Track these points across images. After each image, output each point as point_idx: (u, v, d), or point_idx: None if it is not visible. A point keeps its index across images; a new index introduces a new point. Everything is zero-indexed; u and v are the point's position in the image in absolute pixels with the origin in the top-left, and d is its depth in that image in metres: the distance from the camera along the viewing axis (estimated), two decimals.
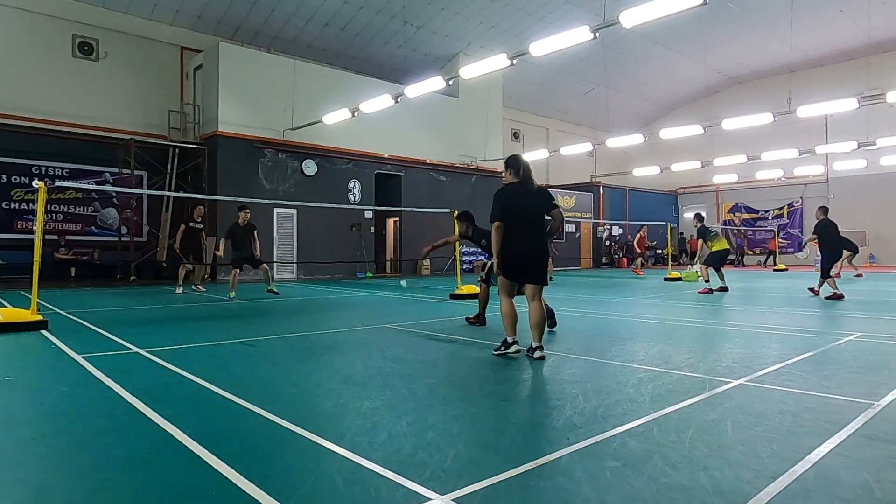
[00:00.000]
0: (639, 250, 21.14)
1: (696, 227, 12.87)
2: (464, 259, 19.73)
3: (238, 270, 10.82)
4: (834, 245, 10.74)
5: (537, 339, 4.89)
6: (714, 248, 12.35)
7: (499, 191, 5.07)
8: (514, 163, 5.11)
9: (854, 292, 11.68)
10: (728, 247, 12.95)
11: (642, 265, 21.38)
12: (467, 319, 7.17)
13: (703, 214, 13.67)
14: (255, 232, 10.81)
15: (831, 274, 10.46)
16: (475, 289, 10.96)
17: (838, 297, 10.01)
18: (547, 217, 5.07)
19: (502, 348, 4.98)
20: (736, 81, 28.03)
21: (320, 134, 17.48)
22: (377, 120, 17.74)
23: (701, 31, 21.55)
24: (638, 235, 21.26)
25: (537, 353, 4.84)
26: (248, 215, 10.75)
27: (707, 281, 12.29)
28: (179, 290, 11.86)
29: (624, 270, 23.69)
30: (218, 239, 12.10)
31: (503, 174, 5.22)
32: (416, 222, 19.67)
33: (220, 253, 11.00)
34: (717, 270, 12.41)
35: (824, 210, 11.13)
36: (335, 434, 2.92)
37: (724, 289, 11.94)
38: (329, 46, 19.64)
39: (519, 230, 4.90)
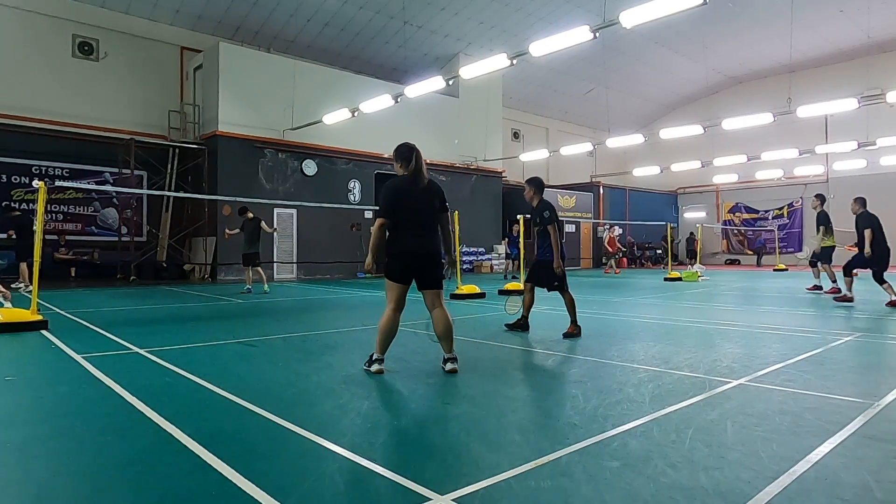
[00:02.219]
0: (610, 250, 21.14)
1: (857, 213, 10.01)
2: (463, 259, 19.73)
3: (247, 267, 12.11)
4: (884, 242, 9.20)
5: (448, 350, 4.41)
6: (828, 244, 10.99)
7: (387, 183, 4.48)
8: (405, 153, 4.46)
9: (854, 292, 11.67)
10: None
11: (617, 264, 21.48)
12: (507, 326, 6.65)
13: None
14: (262, 223, 11.98)
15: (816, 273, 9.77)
16: (475, 289, 10.99)
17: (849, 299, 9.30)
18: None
19: (366, 365, 4.43)
20: (736, 81, 28.02)
21: (320, 134, 17.48)
22: (377, 120, 17.73)
23: (701, 31, 21.55)
24: (607, 236, 21.27)
25: (448, 366, 4.33)
26: (249, 214, 12.08)
27: (834, 281, 10.90)
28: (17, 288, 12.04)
29: (624, 270, 23.69)
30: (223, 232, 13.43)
31: (395, 166, 4.56)
32: None
33: (227, 236, 12.50)
34: (828, 269, 11.10)
35: (863, 201, 9.62)
36: (335, 434, 2.92)
37: (838, 290, 10.64)
38: (329, 46, 19.64)
39: (407, 227, 4.33)
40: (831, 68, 24.96)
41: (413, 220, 4.36)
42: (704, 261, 26.22)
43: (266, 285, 12.15)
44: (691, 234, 29.28)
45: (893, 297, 8.92)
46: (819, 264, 11.47)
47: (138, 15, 16.67)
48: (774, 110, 15.93)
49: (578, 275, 20.08)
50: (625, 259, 27.16)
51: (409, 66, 20.79)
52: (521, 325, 6.60)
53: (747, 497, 2.16)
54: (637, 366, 4.56)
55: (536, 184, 6.38)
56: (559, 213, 6.46)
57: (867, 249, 9.16)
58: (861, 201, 9.79)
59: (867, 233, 9.25)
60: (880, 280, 9.16)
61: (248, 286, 12.13)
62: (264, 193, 16.46)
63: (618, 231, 27.89)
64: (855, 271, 9.47)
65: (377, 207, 4.59)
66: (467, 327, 6.88)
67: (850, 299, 9.34)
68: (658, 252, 27.26)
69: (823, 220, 10.99)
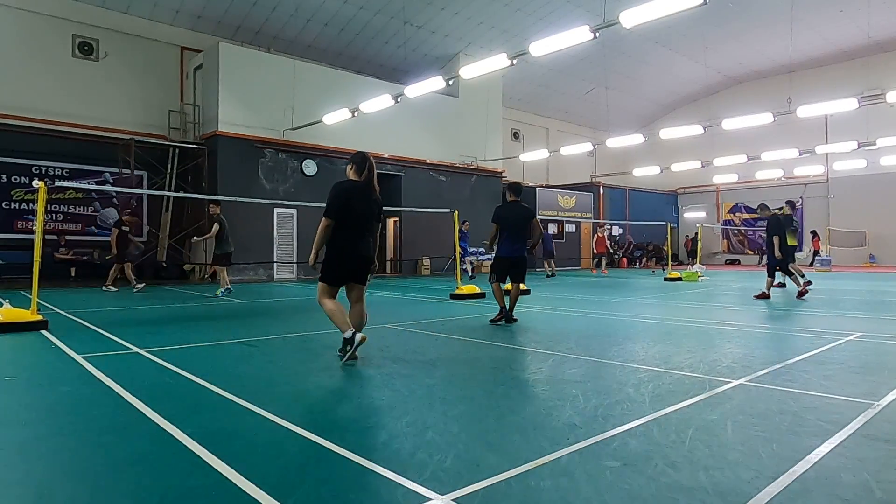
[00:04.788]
0: (598, 251, 21.27)
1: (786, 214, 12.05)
2: (464, 259, 19.72)
3: (217, 268, 11.86)
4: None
5: (360, 329, 4.83)
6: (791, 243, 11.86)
7: (337, 184, 4.78)
8: (360, 161, 4.84)
9: (854, 292, 11.69)
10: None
11: (606, 264, 21.79)
12: (491, 322, 7.10)
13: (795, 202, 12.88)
14: (215, 225, 11.29)
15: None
16: (475, 289, 10.99)
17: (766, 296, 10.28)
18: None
19: (339, 352, 4.79)
20: (736, 81, 28.03)
21: (320, 134, 17.48)
22: (377, 120, 17.73)
23: (701, 31, 21.55)
24: (596, 237, 21.39)
25: (360, 335, 4.65)
26: (214, 209, 11.48)
27: (803, 276, 11.80)
28: (114, 288, 12.13)
29: (624, 270, 23.71)
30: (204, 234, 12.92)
31: (347, 169, 4.94)
32: (416, 222, 19.69)
33: (198, 239, 12.15)
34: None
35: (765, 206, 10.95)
36: (335, 434, 2.92)
37: (781, 285, 12.03)
38: (329, 46, 19.64)
39: (351, 231, 4.70)
40: (831, 68, 24.97)
41: (357, 226, 4.75)
42: (704, 261, 26.23)
43: (221, 290, 11.32)
44: (686, 235, 29.32)
45: (765, 291, 10.38)
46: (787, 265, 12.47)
47: (138, 15, 16.67)
48: (774, 110, 15.93)
49: (578, 275, 20.09)
50: (625, 259, 27.17)
51: (409, 66, 20.79)
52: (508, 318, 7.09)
53: (747, 497, 2.16)
54: (637, 366, 4.56)
55: (507, 187, 7.43)
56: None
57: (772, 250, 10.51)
58: (763, 206, 11.16)
59: (776, 239, 10.41)
60: (771, 273, 10.55)
61: (228, 287, 11.41)
62: (264, 193, 16.46)
63: (618, 231, 27.97)
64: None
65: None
66: (467, 327, 6.88)
67: (768, 296, 10.38)
68: (653, 252, 27.24)
69: (788, 223, 11.92)
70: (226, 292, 11.33)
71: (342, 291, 4.97)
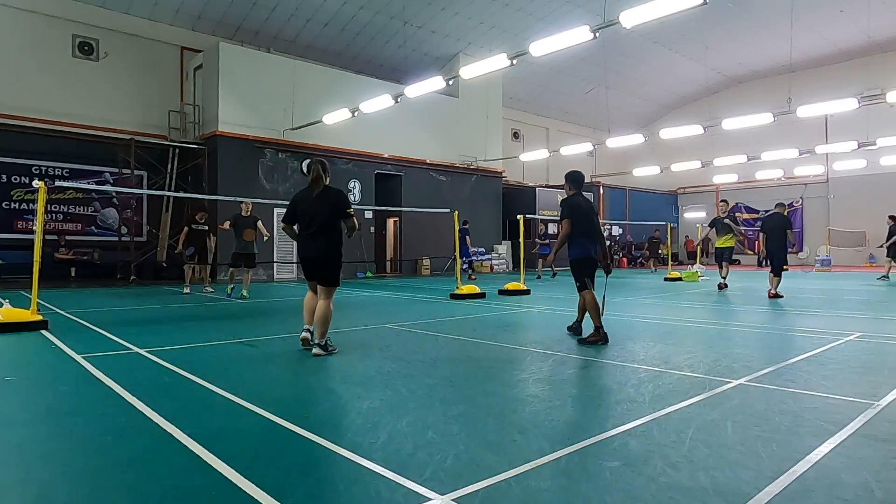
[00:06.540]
0: None
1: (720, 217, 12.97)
2: (463, 259, 19.72)
3: (234, 269, 11.19)
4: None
5: (318, 336, 5.14)
6: (728, 244, 12.81)
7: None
8: (306, 166, 5.29)
9: (854, 292, 11.69)
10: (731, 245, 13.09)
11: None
12: (569, 329, 6.38)
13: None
14: (259, 223, 11.04)
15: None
16: (475, 289, 10.98)
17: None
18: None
19: (330, 347, 5.21)
20: (736, 81, 28.01)
21: (320, 134, 17.48)
22: (377, 120, 17.73)
23: (701, 31, 21.55)
24: None
25: (315, 350, 5.05)
26: (251, 207, 11.01)
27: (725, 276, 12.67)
28: (187, 290, 11.79)
29: (624, 270, 23.70)
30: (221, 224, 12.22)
31: None
32: (416, 222, 19.68)
33: (226, 227, 11.19)
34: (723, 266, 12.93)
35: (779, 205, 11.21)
36: (335, 434, 2.93)
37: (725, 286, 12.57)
38: (329, 46, 19.63)
39: (303, 233, 5.19)
40: (831, 68, 24.96)
41: (304, 227, 5.16)
42: (704, 261, 26.22)
43: (246, 290, 11.02)
44: (686, 236, 29.23)
45: (772, 290, 10.43)
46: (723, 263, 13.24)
47: (138, 15, 16.66)
48: (774, 110, 15.92)
49: None
50: (625, 259, 27.17)
51: (409, 66, 20.79)
52: (575, 329, 6.27)
53: (747, 497, 2.16)
54: (637, 366, 4.56)
55: (566, 178, 6.38)
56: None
57: (763, 248, 11.00)
58: (780, 204, 11.29)
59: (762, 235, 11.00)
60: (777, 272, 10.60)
61: (231, 285, 11.27)
62: (264, 193, 16.45)
63: (618, 230, 27.93)
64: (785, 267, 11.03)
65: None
66: (468, 327, 6.88)
67: (781, 296, 10.42)
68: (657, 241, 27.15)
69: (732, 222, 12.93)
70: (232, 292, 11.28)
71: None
